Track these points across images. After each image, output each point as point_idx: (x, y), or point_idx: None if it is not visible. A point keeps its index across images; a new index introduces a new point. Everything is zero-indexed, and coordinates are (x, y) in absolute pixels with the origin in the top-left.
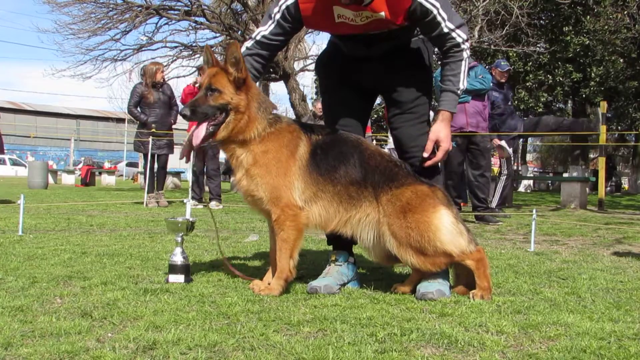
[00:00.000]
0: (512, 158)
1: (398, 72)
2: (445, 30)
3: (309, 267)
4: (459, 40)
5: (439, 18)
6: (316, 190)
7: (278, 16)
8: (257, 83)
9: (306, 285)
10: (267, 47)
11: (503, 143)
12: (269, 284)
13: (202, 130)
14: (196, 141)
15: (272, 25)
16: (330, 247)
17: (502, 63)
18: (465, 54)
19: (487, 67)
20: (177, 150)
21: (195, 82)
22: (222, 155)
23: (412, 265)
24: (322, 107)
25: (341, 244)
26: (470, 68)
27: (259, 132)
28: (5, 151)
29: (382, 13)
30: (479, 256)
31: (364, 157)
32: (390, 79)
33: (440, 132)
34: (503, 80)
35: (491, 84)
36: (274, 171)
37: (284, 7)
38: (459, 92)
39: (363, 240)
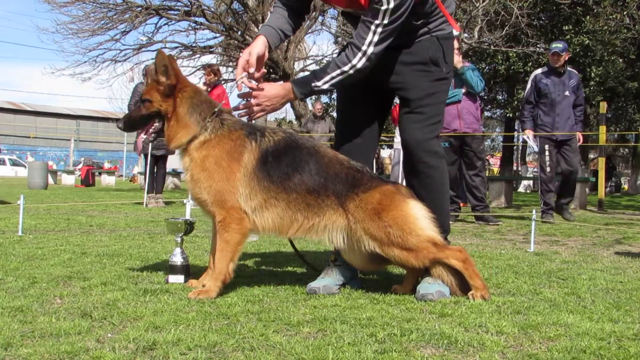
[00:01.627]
0: (546, 158)
1: (407, 67)
2: (371, 25)
3: (308, 267)
4: (363, 46)
5: (380, 15)
6: (267, 198)
7: None
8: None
9: (305, 286)
10: (291, 3)
11: (529, 137)
12: (203, 285)
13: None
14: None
15: None
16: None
17: (553, 45)
18: (349, 68)
19: (486, 67)
20: (178, 150)
21: (205, 81)
22: None
23: (398, 261)
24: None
25: None
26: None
27: (191, 137)
28: (3, 150)
29: None
30: (464, 256)
31: (321, 166)
32: (399, 74)
33: (265, 88)
34: (556, 65)
35: (485, 88)
36: (217, 176)
37: None
38: (311, 83)
39: (334, 244)
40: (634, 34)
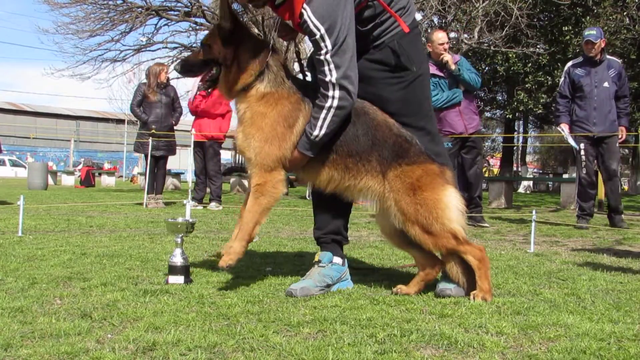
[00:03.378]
0: (580, 159)
1: (377, 76)
2: (322, 57)
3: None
4: (328, 77)
5: (322, 44)
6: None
7: None
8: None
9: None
10: None
11: (563, 129)
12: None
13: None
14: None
15: None
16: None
17: (586, 32)
18: (331, 101)
19: (486, 68)
20: (178, 151)
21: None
22: (224, 156)
23: (416, 239)
24: None
25: (326, 244)
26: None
27: (249, 83)
28: (3, 151)
29: (289, 21)
30: (481, 255)
31: (368, 129)
32: (372, 84)
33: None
34: (590, 54)
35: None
36: (270, 139)
37: None
38: (311, 137)
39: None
40: (634, 34)
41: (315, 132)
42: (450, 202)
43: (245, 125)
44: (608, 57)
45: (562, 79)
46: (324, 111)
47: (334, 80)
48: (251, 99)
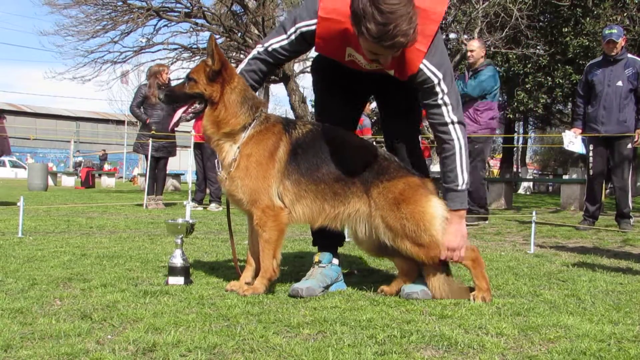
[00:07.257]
0: (588, 160)
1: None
2: (438, 102)
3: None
4: (448, 119)
5: (437, 88)
6: (298, 191)
7: (293, 36)
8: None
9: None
10: (276, 59)
11: (568, 135)
12: (246, 283)
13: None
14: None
15: (286, 41)
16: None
17: (606, 31)
18: (459, 142)
19: None
20: (178, 152)
21: None
22: None
23: (408, 254)
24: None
25: (325, 244)
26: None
27: (241, 127)
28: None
29: (392, 71)
30: (474, 255)
31: (348, 154)
32: (393, 88)
33: (447, 238)
34: (612, 53)
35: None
36: (254, 174)
37: (300, 30)
38: (459, 188)
39: (356, 233)
40: (634, 35)
41: (466, 179)
42: (436, 212)
43: (231, 169)
44: (629, 55)
45: (582, 78)
46: (461, 154)
47: (456, 119)
48: (238, 142)
